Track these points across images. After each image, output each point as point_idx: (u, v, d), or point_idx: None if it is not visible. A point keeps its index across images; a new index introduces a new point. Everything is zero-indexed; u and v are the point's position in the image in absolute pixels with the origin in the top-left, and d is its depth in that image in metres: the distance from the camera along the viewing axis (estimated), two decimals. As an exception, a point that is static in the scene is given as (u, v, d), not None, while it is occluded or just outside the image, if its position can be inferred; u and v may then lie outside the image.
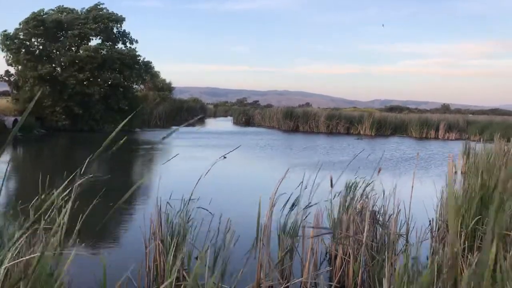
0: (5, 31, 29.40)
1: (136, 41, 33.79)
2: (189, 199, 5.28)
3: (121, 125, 2.15)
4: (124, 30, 33.39)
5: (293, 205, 5.49)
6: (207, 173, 5.06)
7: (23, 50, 29.47)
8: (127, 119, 2.44)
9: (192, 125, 43.82)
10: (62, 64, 30.03)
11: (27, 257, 3.28)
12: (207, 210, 5.36)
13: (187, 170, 13.90)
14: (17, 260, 3.25)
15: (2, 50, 29.60)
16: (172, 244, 5.02)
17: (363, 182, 6.39)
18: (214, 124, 50.90)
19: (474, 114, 64.52)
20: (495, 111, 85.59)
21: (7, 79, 30.68)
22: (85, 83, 30.37)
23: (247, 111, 53.85)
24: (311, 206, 5.53)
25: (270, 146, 24.93)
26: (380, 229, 5.97)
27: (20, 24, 29.88)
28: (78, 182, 3.05)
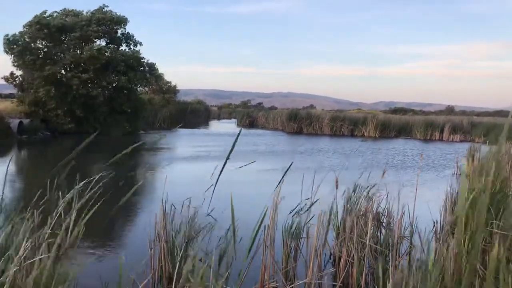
0: (7, 35, 29.53)
1: (140, 44, 33.88)
2: (199, 204, 5.30)
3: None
4: (128, 33, 33.46)
5: (297, 206, 5.51)
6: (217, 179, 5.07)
7: (28, 53, 29.56)
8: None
9: (197, 127, 43.99)
10: (66, 65, 30.08)
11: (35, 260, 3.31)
12: (212, 217, 5.38)
13: (191, 171, 13.91)
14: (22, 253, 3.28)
15: (7, 53, 29.72)
16: (177, 246, 5.05)
17: (367, 185, 6.39)
18: (218, 126, 50.96)
19: (479, 115, 64.18)
20: (500, 113, 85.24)
21: (12, 81, 30.78)
22: (89, 85, 30.41)
23: (251, 113, 53.90)
24: (315, 207, 5.54)
25: (275, 146, 24.95)
26: (384, 231, 5.97)
27: (24, 27, 29.98)
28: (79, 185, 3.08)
